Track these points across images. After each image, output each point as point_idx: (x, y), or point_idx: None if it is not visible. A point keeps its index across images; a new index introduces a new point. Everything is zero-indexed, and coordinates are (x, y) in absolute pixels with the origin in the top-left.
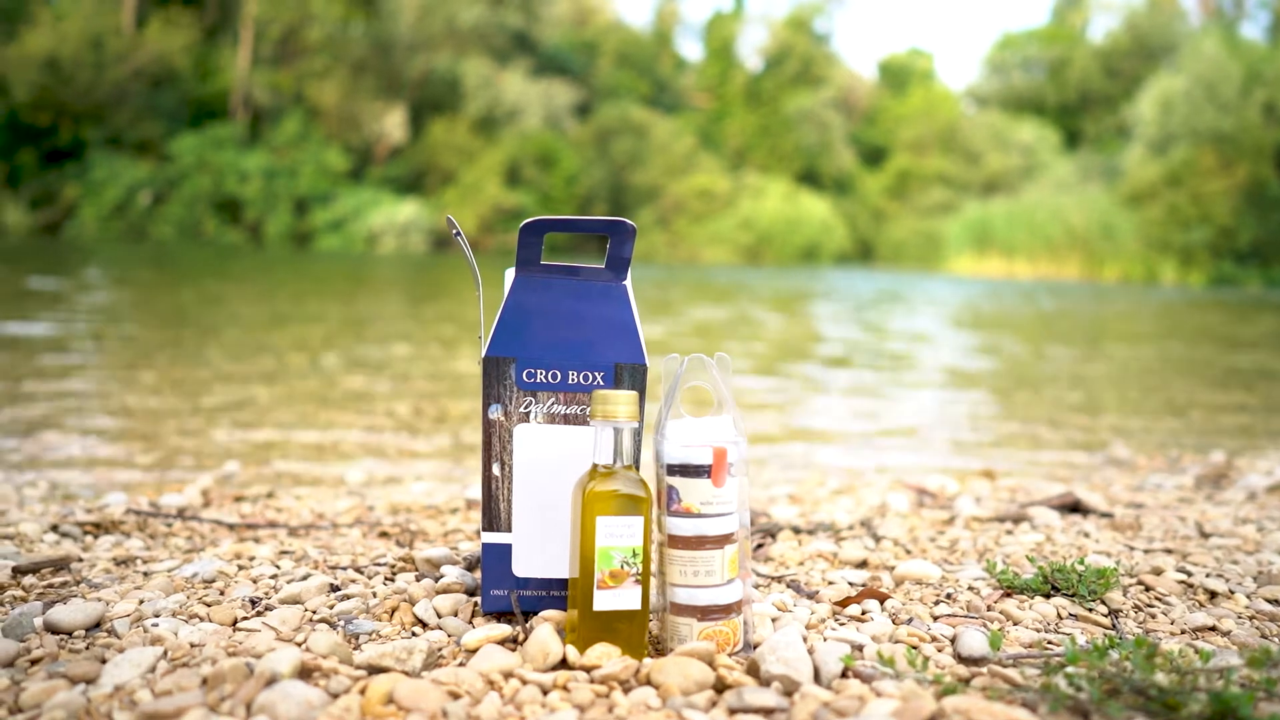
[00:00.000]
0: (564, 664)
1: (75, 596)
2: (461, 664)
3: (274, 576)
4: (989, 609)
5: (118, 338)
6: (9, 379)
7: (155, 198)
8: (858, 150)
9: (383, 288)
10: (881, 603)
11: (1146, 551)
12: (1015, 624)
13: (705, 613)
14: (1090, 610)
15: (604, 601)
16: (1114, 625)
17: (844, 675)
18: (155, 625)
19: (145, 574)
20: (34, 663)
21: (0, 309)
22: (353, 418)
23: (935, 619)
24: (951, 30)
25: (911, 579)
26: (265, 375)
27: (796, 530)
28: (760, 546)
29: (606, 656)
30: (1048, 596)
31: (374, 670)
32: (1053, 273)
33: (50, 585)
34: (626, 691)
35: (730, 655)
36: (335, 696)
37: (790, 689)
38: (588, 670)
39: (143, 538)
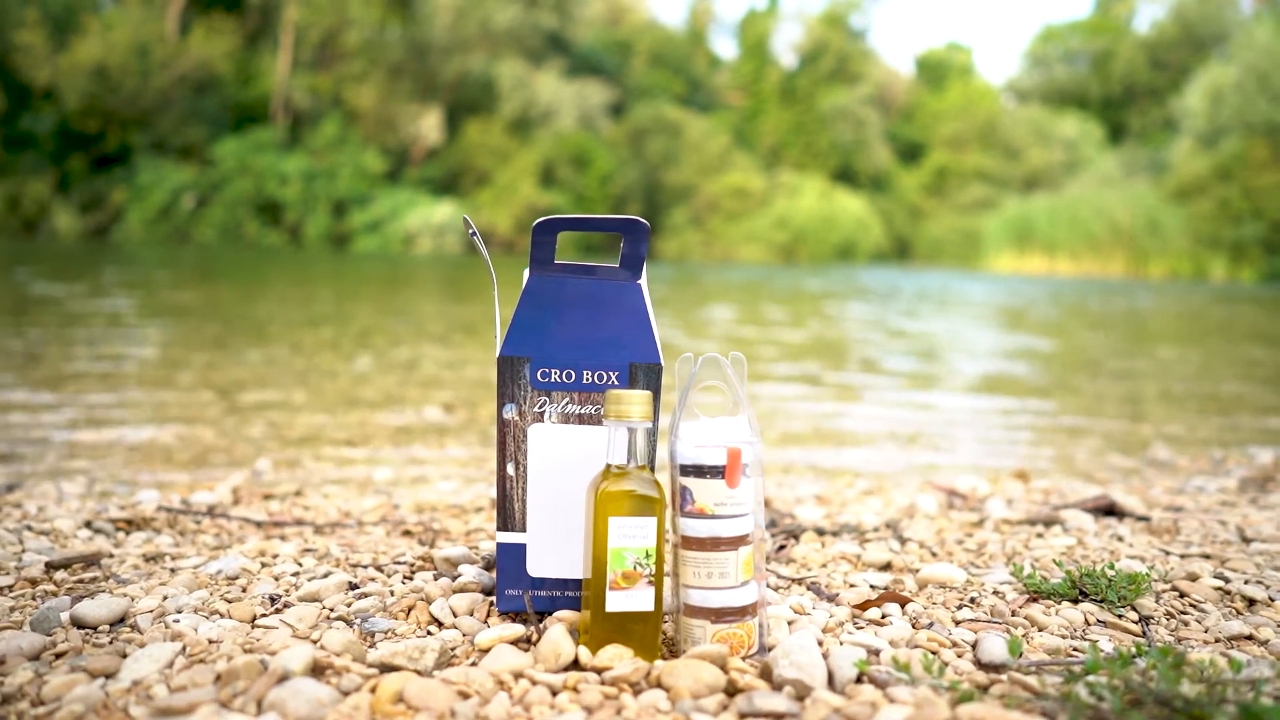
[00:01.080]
0: (576, 665)
1: (102, 592)
2: (474, 663)
3: (296, 574)
4: (1013, 614)
5: (157, 338)
6: (52, 377)
7: (198, 201)
8: (894, 147)
9: (417, 288)
10: (902, 606)
11: (1183, 556)
12: (1040, 630)
13: (719, 615)
14: (1120, 617)
15: (616, 603)
16: (1144, 632)
17: (858, 680)
18: (176, 621)
19: (172, 570)
20: (58, 656)
21: (43, 310)
22: (383, 417)
23: (957, 624)
24: (991, 23)
25: (935, 582)
26: (299, 374)
27: (820, 532)
28: (783, 548)
29: (618, 658)
30: (1075, 602)
31: (386, 669)
32: (1097, 270)
33: (80, 580)
34: (636, 694)
35: (744, 658)
36: (346, 694)
37: (802, 694)
38: (599, 671)
39: (173, 534)
